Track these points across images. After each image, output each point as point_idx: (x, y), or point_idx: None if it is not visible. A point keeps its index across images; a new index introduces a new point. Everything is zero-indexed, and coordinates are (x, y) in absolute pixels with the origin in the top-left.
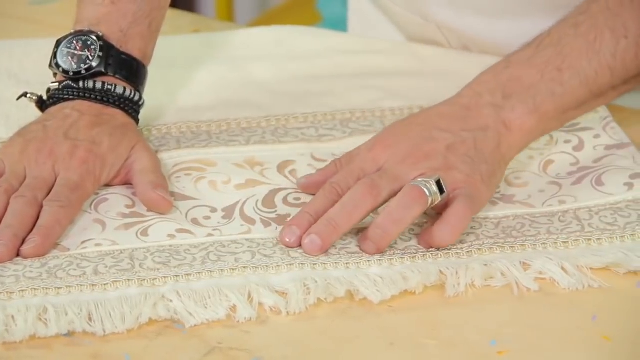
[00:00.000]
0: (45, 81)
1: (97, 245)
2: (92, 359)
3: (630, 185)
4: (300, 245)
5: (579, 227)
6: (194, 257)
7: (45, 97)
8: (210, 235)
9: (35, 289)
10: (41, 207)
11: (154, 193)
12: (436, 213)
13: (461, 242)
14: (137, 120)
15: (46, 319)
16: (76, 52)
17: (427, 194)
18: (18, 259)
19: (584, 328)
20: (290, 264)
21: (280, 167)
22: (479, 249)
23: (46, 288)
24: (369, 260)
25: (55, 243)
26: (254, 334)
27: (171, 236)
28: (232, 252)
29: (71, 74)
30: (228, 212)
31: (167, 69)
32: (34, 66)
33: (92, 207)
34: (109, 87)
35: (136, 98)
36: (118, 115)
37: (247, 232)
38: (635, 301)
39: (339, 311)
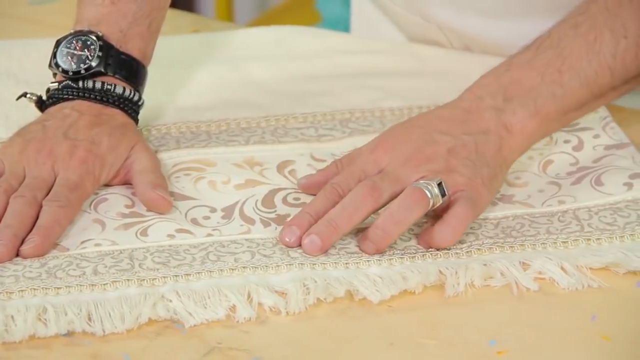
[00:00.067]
0: (44, 81)
1: (97, 245)
2: (92, 359)
3: (629, 185)
4: (300, 246)
5: (579, 227)
6: (194, 257)
7: (44, 97)
8: (209, 235)
9: (34, 289)
10: (40, 207)
11: (153, 193)
12: (436, 215)
13: (461, 242)
14: (136, 120)
15: (45, 319)
16: (76, 52)
17: (429, 195)
18: (17, 259)
19: (583, 328)
20: (290, 264)
21: (280, 167)
22: (479, 249)
23: (45, 288)
24: (368, 260)
25: (55, 243)
26: (253, 334)
27: (171, 236)
28: (231, 252)
29: (71, 73)
30: (227, 212)
31: (167, 69)
32: (33, 66)
33: (92, 207)
34: (109, 87)
35: (135, 98)
36: (117, 115)
37: (246, 232)
38: (634, 301)
39: (339, 311)
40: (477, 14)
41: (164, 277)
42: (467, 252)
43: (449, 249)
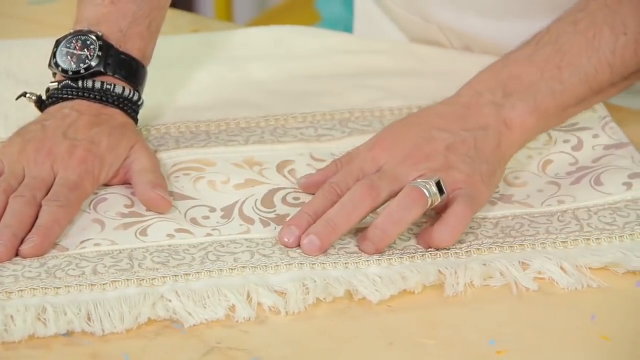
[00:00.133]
0: (44, 81)
1: (96, 245)
2: (91, 359)
3: (629, 185)
4: (299, 246)
5: (578, 227)
6: (193, 257)
7: (44, 97)
8: (209, 235)
9: (34, 289)
10: (40, 207)
11: (153, 193)
12: (436, 213)
13: (460, 242)
14: (136, 120)
15: (45, 319)
16: (75, 51)
17: (427, 194)
18: (17, 259)
19: (583, 328)
20: (290, 264)
21: (280, 167)
22: (478, 249)
23: (45, 288)
24: (368, 260)
25: (54, 243)
26: (253, 334)
27: (170, 236)
28: (231, 252)
29: (70, 73)
30: (227, 212)
31: (166, 69)
32: (33, 66)
33: (91, 207)
34: (108, 86)
35: (135, 98)
36: (117, 115)
37: (246, 232)
38: (634, 301)
39: (338, 311)
40: (477, 14)
41: (164, 277)
42: (467, 252)
43: (449, 249)
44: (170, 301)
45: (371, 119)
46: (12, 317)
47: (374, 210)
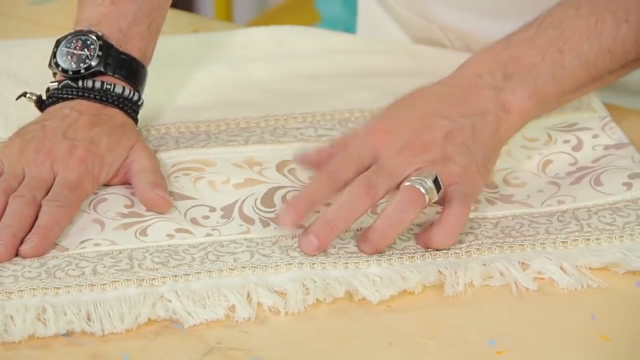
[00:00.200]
0: (44, 81)
1: (96, 245)
2: (91, 359)
3: (629, 185)
4: (296, 228)
5: (578, 227)
6: (193, 257)
7: (44, 97)
8: (209, 235)
9: (34, 289)
10: (40, 206)
11: (153, 192)
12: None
13: (460, 242)
14: (136, 120)
15: (45, 319)
16: (75, 51)
17: (424, 192)
18: (17, 258)
19: (582, 328)
20: (289, 264)
21: (279, 167)
22: (478, 249)
23: (45, 288)
24: (367, 260)
25: (54, 243)
26: (252, 334)
27: (170, 236)
28: (230, 252)
29: (70, 73)
30: (227, 212)
31: (166, 68)
32: (33, 66)
33: (91, 206)
34: (108, 86)
35: (135, 98)
36: (117, 115)
37: (246, 232)
38: (634, 301)
39: (338, 311)
40: (478, 15)
41: (163, 277)
42: (467, 252)
43: (448, 249)
44: (169, 301)
45: None
46: (11, 317)
47: (372, 207)
